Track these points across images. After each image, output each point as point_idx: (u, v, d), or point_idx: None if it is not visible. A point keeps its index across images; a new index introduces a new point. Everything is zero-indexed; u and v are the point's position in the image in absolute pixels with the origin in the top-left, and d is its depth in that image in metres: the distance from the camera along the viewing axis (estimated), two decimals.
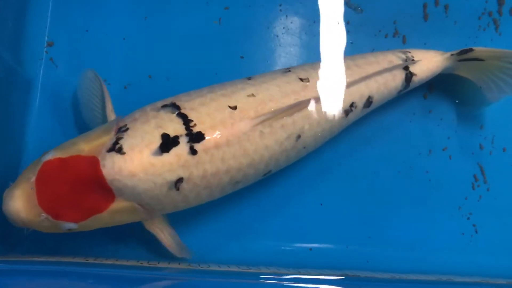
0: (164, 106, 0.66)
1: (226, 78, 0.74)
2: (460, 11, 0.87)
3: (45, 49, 0.83)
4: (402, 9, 0.86)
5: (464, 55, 0.78)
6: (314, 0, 0.86)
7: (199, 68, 0.83)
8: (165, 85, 0.83)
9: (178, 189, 0.64)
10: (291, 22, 0.86)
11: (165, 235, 0.72)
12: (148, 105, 0.68)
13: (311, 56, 0.85)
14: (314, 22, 0.86)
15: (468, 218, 0.83)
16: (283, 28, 0.86)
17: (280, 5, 0.86)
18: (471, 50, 0.78)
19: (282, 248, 0.80)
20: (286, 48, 0.85)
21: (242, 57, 0.84)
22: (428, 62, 0.78)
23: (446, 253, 0.82)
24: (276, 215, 0.81)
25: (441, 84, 0.85)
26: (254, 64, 0.84)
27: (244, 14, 0.85)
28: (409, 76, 0.77)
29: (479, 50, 0.78)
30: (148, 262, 0.72)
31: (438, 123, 0.85)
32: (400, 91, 0.78)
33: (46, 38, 0.83)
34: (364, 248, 0.81)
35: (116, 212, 0.64)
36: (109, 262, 0.71)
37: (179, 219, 0.78)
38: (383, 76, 0.74)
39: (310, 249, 0.80)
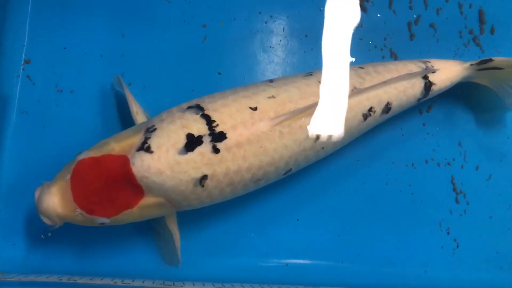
0: (189, 108, 0.69)
1: (204, 94, 0.74)
2: (442, 30, 0.89)
3: (22, 66, 0.82)
4: (392, 29, 0.88)
5: (483, 65, 0.81)
6: (292, 18, 0.87)
7: (177, 85, 0.84)
8: (143, 101, 0.83)
9: (203, 186, 0.67)
10: (268, 39, 0.87)
11: (178, 235, 0.75)
12: (175, 106, 0.71)
13: (288, 73, 0.86)
14: (306, 36, 0.87)
15: (448, 233, 0.83)
16: (260, 45, 0.87)
17: (259, 23, 0.87)
18: (490, 60, 0.81)
19: (258, 264, 0.80)
20: (263, 65, 0.86)
21: (219, 73, 0.85)
22: (447, 72, 0.80)
23: (428, 268, 0.83)
24: (252, 230, 0.81)
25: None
26: (232, 80, 0.85)
27: (222, 31, 0.86)
28: (428, 85, 0.78)
29: (499, 59, 0.81)
30: (122, 281, 0.72)
31: (424, 136, 0.86)
32: (420, 99, 0.80)
33: (23, 55, 0.83)
34: (341, 264, 0.82)
35: (145, 207, 0.67)
36: (82, 281, 0.71)
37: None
38: (402, 83, 0.76)
39: (286, 264, 0.80)
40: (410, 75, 0.77)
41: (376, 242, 0.82)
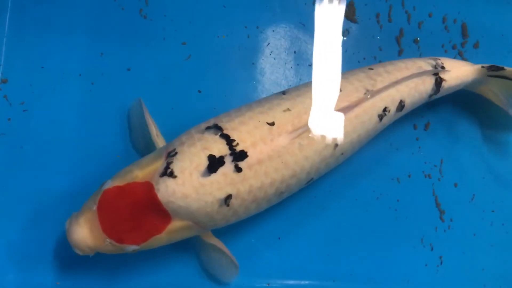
0: (208, 128, 0.69)
1: (183, 112, 0.75)
2: (427, 45, 0.89)
3: None
4: (380, 42, 0.89)
5: (494, 72, 0.81)
6: (277, 33, 0.87)
7: (156, 103, 0.82)
8: (123, 121, 0.82)
9: (228, 205, 0.67)
10: (251, 55, 0.86)
11: (221, 243, 0.75)
12: (193, 127, 0.71)
13: (271, 90, 0.85)
14: (291, 52, 0.86)
15: (432, 249, 0.83)
16: (243, 61, 0.86)
17: (242, 39, 0.87)
18: (502, 68, 0.81)
19: (239, 284, 0.79)
20: (246, 82, 0.85)
21: (199, 92, 0.84)
22: (457, 70, 0.81)
23: (412, 285, 0.82)
24: (232, 249, 0.79)
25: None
26: (212, 98, 0.84)
27: (203, 48, 0.86)
28: (438, 80, 0.79)
29: (509, 70, 0.81)
30: None
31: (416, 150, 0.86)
32: (431, 95, 0.80)
33: (0, 75, 0.81)
34: (326, 282, 0.81)
35: (173, 231, 0.67)
36: None
37: (135, 259, 0.77)
38: (413, 80, 0.77)
39: (268, 284, 0.79)
40: (421, 73, 0.77)
41: (364, 260, 0.82)
